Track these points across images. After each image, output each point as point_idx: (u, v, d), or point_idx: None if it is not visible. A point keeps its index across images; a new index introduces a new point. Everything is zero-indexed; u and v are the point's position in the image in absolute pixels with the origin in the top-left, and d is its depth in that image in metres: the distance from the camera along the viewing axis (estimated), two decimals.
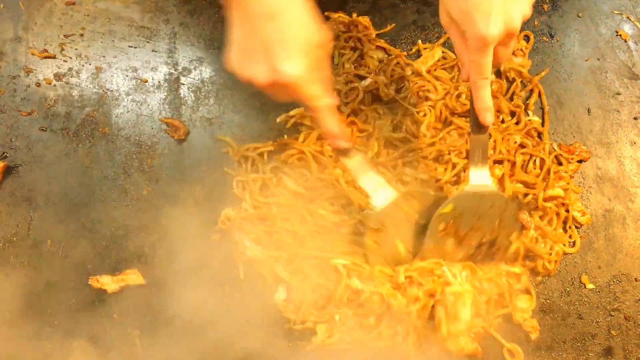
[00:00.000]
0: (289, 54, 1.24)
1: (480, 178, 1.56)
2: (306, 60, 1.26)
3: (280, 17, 1.22)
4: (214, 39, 1.94)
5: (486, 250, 1.62)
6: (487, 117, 1.45)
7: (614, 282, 1.71)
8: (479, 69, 1.35)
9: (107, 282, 1.69)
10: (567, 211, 1.73)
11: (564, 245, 1.72)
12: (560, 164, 1.78)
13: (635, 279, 1.72)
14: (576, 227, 1.75)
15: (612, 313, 1.69)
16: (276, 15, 1.22)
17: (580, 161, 1.79)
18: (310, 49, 1.27)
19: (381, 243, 1.61)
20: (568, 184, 1.74)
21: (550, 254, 1.69)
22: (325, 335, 1.61)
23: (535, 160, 1.76)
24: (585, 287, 1.71)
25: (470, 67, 1.38)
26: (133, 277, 1.69)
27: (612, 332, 1.68)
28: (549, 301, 1.70)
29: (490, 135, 1.73)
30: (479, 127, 1.50)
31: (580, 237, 1.73)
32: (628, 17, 1.96)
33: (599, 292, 1.71)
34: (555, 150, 1.78)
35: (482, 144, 1.54)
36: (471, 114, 1.50)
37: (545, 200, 1.71)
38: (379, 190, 1.58)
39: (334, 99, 1.39)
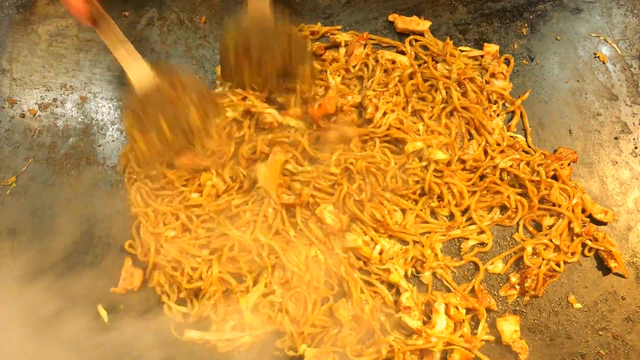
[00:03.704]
0: None
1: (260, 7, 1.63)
2: None
3: None
4: None
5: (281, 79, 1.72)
6: None
7: (600, 301, 1.72)
8: None
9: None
10: (589, 216, 1.78)
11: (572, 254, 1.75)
12: (556, 179, 1.80)
13: (622, 297, 1.72)
14: (602, 224, 1.78)
15: (600, 332, 1.69)
16: None
17: (570, 163, 1.83)
18: None
19: (143, 126, 1.61)
20: (579, 190, 1.79)
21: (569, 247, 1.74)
22: None
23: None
24: (572, 306, 1.72)
25: None
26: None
27: (601, 351, 1.68)
28: (537, 322, 1.70)
29: None
30: None
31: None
32: (605, 40, 2.00)
33: (586, 311, 1.71)
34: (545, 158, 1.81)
35: None
36: None
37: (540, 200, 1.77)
38: (135, 66, 1.57)
39: None
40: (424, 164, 1.77)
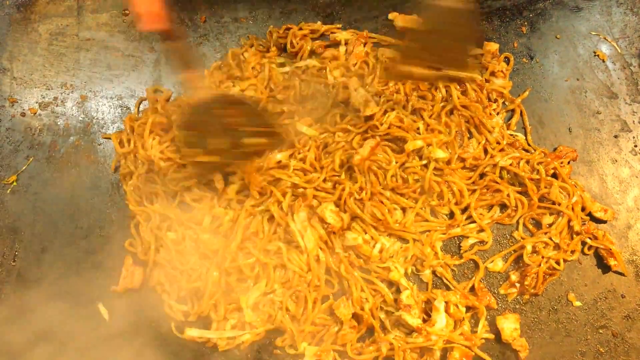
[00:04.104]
0: None
1: None
2: None
3: None
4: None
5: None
6: None
7: (600, 299, 1.72)
8: None
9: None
10: (589, 214, 1.78)
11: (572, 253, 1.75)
12: (556, 177, 1.80)
13: (622, 295, 1.73)
14: (602, 222, 1.78)
15: (600, 330, 1.70)
16: None
17: (569, 162, 1.83)
18: None
19: (190, 138, 1.57)
20: (579, 188, 1.79)
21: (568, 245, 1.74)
22: (313, 358, 1.61)
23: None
24: (572, 304, 1.72)
25: None
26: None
27: (601, 349, 1.68)
28: (537, 320, 1.70)
29: None
30: None
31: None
32: (605, 38, 2.00)
33: (586, 309, 1.72)
34: (544, 156, 1.81)
35: None
36: None
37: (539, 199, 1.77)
38: (195, 84, 1.53)
39: None
40: (424, 162, 1.77)
